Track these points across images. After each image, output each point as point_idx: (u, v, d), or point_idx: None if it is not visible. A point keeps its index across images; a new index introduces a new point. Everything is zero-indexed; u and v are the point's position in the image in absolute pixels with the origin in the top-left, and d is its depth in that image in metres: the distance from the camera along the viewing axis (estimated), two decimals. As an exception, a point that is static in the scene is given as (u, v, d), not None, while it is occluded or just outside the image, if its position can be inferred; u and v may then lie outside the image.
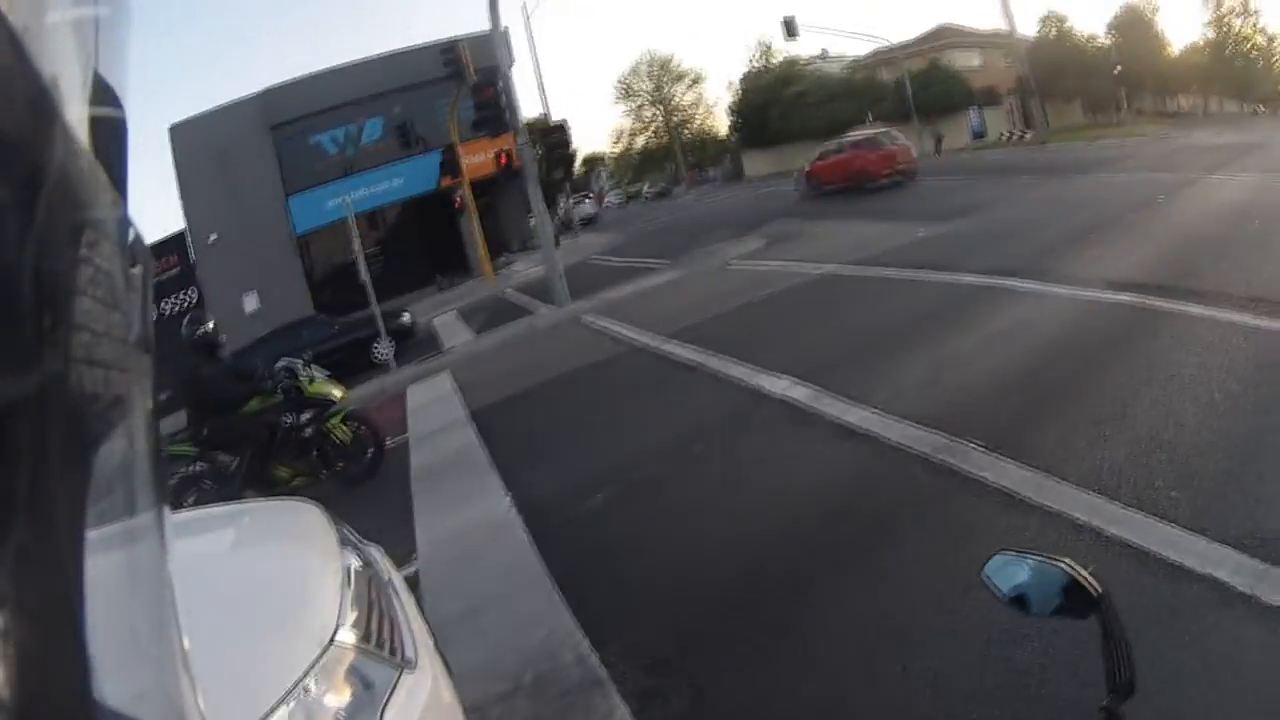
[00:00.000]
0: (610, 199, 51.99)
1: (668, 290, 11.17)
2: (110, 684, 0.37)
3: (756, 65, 45.16)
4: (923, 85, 33.38)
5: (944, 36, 37.91)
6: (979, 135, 34.64)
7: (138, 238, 0.44)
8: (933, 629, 2.47)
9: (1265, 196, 9.82)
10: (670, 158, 50.94)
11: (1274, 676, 2.01)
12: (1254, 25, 49.36)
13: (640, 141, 52.31)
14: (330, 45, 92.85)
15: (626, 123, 54.02)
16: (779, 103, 38.46)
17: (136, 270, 0.43)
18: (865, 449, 4.05)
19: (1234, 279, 5.55)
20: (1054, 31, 37.39)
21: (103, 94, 0.41)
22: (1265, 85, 51.18)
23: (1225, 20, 48.00)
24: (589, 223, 34.65)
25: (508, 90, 13.17)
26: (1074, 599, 0.90)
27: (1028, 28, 38.57)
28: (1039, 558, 0.96)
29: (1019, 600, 0.96)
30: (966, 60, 36.85)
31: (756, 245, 13.29)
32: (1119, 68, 32.91)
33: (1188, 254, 6.60)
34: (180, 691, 0.47)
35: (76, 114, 0.37)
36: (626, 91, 50.66)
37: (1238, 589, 2.26)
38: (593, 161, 58.88)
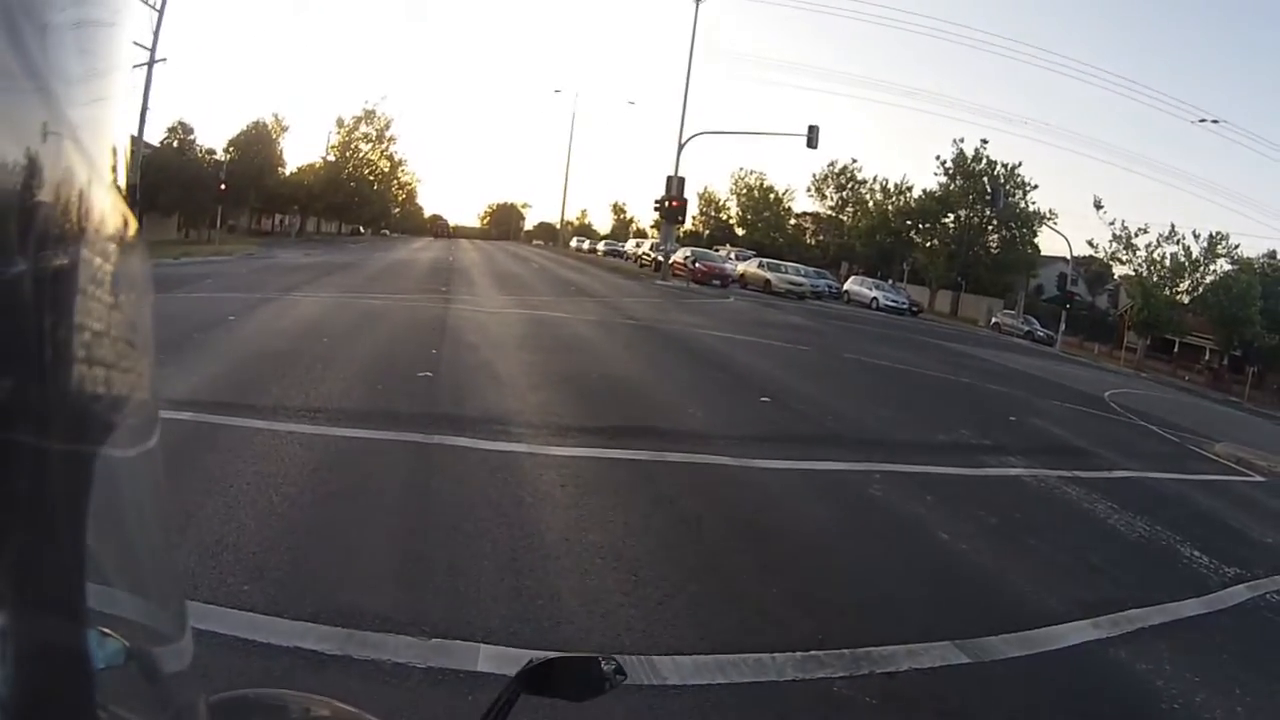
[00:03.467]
0: None
1: None
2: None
3: None
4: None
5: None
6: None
7: (138, 236, 0.45)
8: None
9: (336, 314, 10.55)
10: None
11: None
12: (384, 152, 51.30)
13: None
14: None
15: None
16: None
17: (137, 269, 0.44)
18: None
19: (294, 393, 5.82)
20: (177, 142, 35.46)
21: (102, 93, 0.41)
22: (376, 207, 53.63)
23: (353, 144, 50.05)
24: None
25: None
26: None
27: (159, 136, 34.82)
28: None
29: None
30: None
31: None
32: (224, 184, 32.36)
33: (251, 371, 6.56)
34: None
35: (76, 114, 0.37)
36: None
37: (328, 653, 2.57)
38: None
